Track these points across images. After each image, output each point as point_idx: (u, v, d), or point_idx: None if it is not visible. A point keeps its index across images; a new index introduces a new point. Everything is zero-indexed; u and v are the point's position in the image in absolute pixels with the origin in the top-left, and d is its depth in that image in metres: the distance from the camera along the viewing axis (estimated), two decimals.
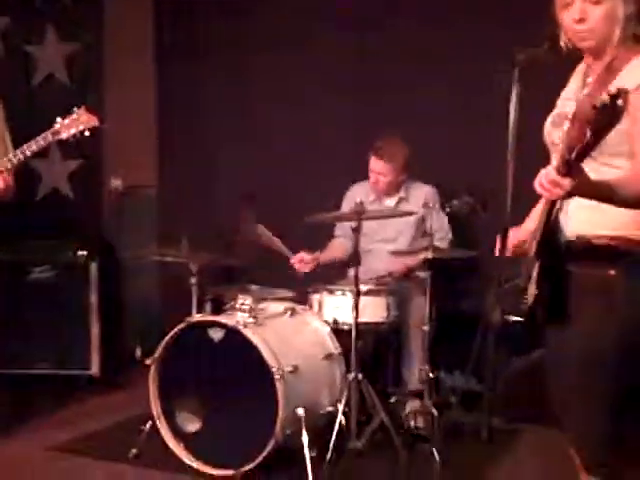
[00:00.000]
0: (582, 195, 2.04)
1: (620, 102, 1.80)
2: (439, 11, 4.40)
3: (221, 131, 5.02)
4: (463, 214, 3.88)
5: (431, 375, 3.68)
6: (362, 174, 4.22)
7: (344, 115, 4.69)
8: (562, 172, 1.94)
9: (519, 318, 2.36)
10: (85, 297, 4.55)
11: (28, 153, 3.33)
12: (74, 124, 3.31)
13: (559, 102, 2.44)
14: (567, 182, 1.93)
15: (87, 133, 3.33)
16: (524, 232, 2.45)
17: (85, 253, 4.58)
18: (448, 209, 3.91)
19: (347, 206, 4.20)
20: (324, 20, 4.68)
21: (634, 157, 2.16)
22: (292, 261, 4.07)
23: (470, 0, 4.33)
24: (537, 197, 2.46)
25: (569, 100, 2.34)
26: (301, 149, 4.79)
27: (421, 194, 4.14)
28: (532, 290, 2.26)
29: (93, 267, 4.58)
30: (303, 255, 4.09)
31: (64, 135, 3.31)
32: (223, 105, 5.00)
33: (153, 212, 5.18)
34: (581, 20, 2.21)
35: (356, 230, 3.60)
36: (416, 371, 3.80)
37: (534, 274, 2.26)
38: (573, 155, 1.89)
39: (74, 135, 3.32)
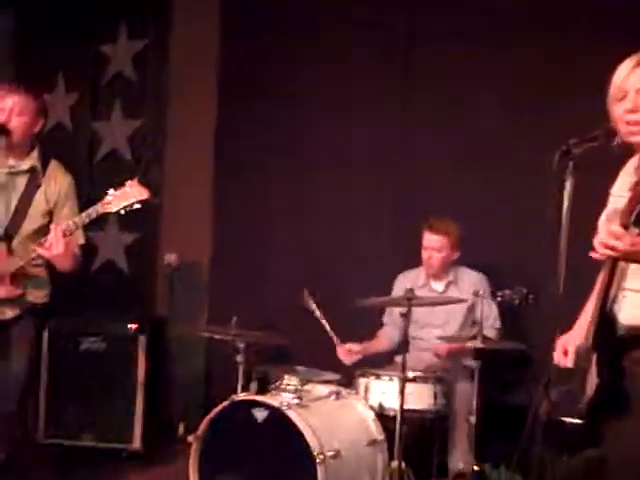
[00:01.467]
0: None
1: None
2: (494, 97, 4.45)
3: (276, 210, 5.08)
4: (514, 304, 3.83)
5: (476, 468, 3.59)
6: (406, 262, 4.23)
7: (391, 194, 4.73)
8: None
9: (577, 420, 2.31)
10: (133, 370, 4.58)
11: (80, 224, 3.36)
12: (125, 197, 3.27)
13: (611, 199, 2.44)
14: (627, 238, 1.93)
15: (137, 206, 3.28)
16: (578, 336, 2.40)
17: (135, 326, 4.64)
18: (499, 298, 3.87)
19: (396, 294, 4.21)
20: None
21: None
22: (338, 350, 4.06)
23: (529, 94, 4.37)
24: (589, 289, 2.46)
25: (621, 197, 2.35)
26: (353, 232, 4.81)
27: (470, 280, 4.12)
28: (591, 383, 2.23)
29: (142, 340, 4.62)
30: (351, 345, 4.09)
31: (114, 208, 3.26)
32: (279, 185, 5.07)
33: (205, 288, 5.22)
34: (634, 110, 2.24)
35: (405, 316, 3.59)
36: (461, 463, 3.72)
37: (593, 366, 2.23)
38: (632, 217, 1.92)
39: (124, 207, 3.27)
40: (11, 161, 3.53)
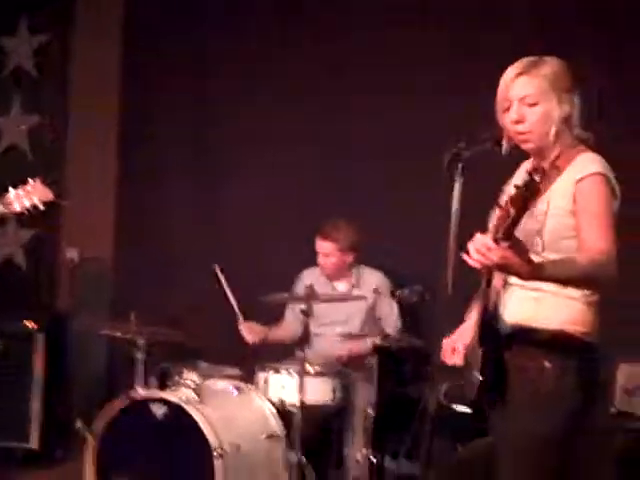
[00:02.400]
0: (519, 273, 2.08)
1: (537, 177, 1.92)
2: (385, 102, 4.55)
3: (178, 207, 5.07)
4: (412, 302, 3.93)
5: (373, 460, 3.67)
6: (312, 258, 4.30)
7: (294, 196, 4.78)
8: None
9: (466, 409, 2.39)
10: (30, 368, 4.49)
11: None
12: (28, 196, 3.16)
13: (504, 197, 2.53)
14: (497, 251, 1.99)
15: (42, 207, 3.17)
16: (467, 333, 2.47)
17: (32, 324, 4.55)
18: (397, 297, 3.96)
19: (299, 290, 4.25)
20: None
21: (580, 247, 2.22)
22: (241, 328, 4.08)
23: (415, 93, 4.49)
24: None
25: None
26: (258, 230, 4.84)
27: (372, 280, 4.20)
28: (476, 378, 2.30)
29: (40, 338, 4.53)
30: (253, 324, 4.11)
31: (17, 207, 3.16)
32: (184, 179, 5.07)
33: (107, 285, 5.15)
34: (518, 121, 2.32)
35: (306, 313, 3.64)
36: (359, 455, 3.79)
37: (478, 362, 2.31)
38: (500, 233, 1.99)
39: (27, 208, 3.16)
40: None
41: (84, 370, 5.01)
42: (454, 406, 2.44)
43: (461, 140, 2.44)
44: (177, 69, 5.15)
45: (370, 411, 3.73)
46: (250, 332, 4.12)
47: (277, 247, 4.70)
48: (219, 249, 4.83)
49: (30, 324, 4.53)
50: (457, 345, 2.45)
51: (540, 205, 2.22)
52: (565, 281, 2.18)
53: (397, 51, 4.55)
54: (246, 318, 4.16)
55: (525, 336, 2.26)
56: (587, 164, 2.26)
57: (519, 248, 2.04)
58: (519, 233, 2.03)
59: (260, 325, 4.18)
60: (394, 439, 3.86)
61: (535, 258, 2.13)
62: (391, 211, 4.45)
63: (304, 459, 3.50)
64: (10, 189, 3.18)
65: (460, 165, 2.41)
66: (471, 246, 2.05)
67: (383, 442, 3.82)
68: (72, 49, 5.43)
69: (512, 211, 1.95)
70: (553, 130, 2.30)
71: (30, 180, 3.19)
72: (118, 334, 3.86)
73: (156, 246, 5.06)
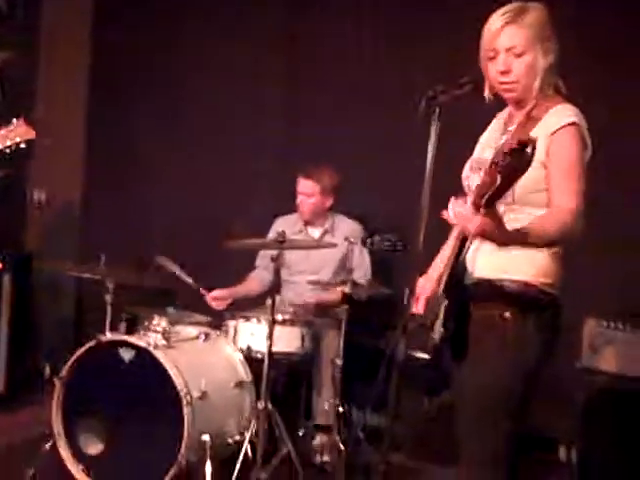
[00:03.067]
0: (494, 240, 2.09)
1: (529, 150, 1.85)
2: (366, 45, 4.49)
3: (148, 150, 5.00)
4: (383, 251, 3.90)
5: (340, 410, 3.68)
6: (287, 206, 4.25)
7: (272, 141, 4.76)
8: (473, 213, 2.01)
9: (425, 355, 2.39)
10: None
11: None
12: (10, 135, 3.16)
13: (478, 147, 2.50)
14: (476, 220, 1.99)
15: (23, 145, 3.19)
16: (430, 283, 2.47)
17: (1, 265, 4.47)
18: (370, 245, 3.93)
19: (271, 237, 4.20)
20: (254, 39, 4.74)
21: (549, 200, 2.24)
22: (207, 299, 4.05)
23: (397, 37, 4.42)
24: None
25: (489, 147, 2.40)
26: (230, 175, 4.78)
27: (346, 228, 4.17)
28: (438, 328, 2.30)
29: (6, 279, 4.45)
30: (218, 292, 4.08)
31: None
32: (152, 123, 5.00)
33: (75, 228, 5.07)
34: (505, 72, 2.28)
35: (276, 259, 3.60)
36: (326, 405, 3.79)
37: (441, 313, 2.30)
38: (483, 200, 1.95)
39: (10, 147, 3.17)
40: None
41: (52, 312, 4.96)
42: (415, 353, 2.43)
43: (439, 84, 2.39)
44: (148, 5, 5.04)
45: (338, 361, 3.72)
46: (216, 300, 4.08)
47: (253, 190, 4.65)
48: (192, 190, 4.78)
49: None
50: (420, 294, 2.45)
51: None
52: (536, 246, 2.21)
53: None
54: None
55: (490, 288, 2.29)
56: (562, 116, 2.26)
57: (497, 216, 2.04)
58: None
59: (224, 290, 4.13)
60: (361, 390, 3.87)
61: (504, 209, 2.16)
62: (367, 158, 4.42)
63: (272, 407, 3.48)
64: None
65: (437, 109, 2.36)
66: (451, 209, 2.07)
67: (350, 392, 3.82)
68: None
69: (498, 180, 1.89)
70: (538, 81, 2.29)
71: (14, 119, 3.19)
72: (87, 275, 3.79)
73: (127, 186, 4.99)
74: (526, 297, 2.27)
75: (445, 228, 2.41)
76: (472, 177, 2.38)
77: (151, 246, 4.72)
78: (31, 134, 3.20)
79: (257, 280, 4.30)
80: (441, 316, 2.29)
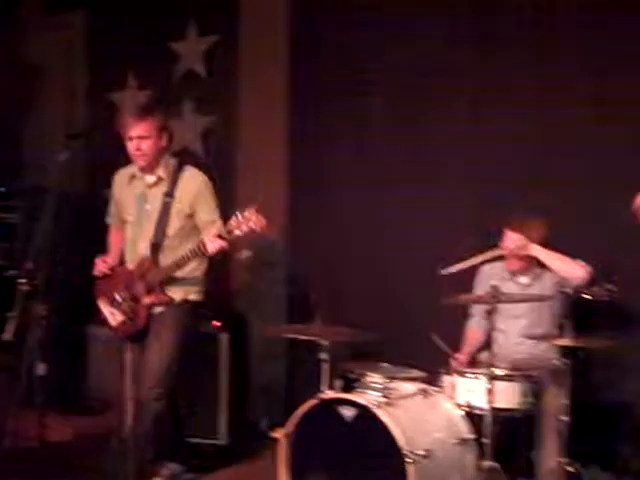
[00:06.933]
0: None
1: None
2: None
3: (348, 207, 5.07)
4: (602, 300, 3.77)
5: (570, 469, 3.54)
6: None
7: (473, 184, 4.71)
8: None
9: None
10: (215, 368, 4.63)
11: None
12: (246, 223, 3.49)
13: None
14: None
15: (258, 231, 3.50)
16: None
17: (219, 324, 4.68)
18: (588, 295, 3.80)
19: (480, 286, 4.16)
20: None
21: None
22: (453, 362, 4.02)
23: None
24: None
25: None
26: (432, 233, 4.78)
27: (551, 274, 4.04)
28: None
29: (224, 338, 4.67)
30: (463, 356, 4.07)
31: (237, 232, 3.52)
32: (352, 179, 5.06)
33: (283, 286, 5.22)
34: None
35: (491, 313, 3.56)
36: (551, 461, 3.67)
37: None
38: None
39: (245, 233, 3.49)
40: (146, 178, 3.96)
41: (265, 368, 5.09)
42: None
43: None
44: (342, 64, 5.13)
45: (562, 417, 3.59)
46: (460, 363, 4.03)
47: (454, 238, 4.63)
48: (399, 247, 4.82)
49: (216, 324, 4.67)
50: None
51: None
52: None
53: None
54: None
55: None
56: None
57: None
58: None
59: (463, 354, 4.10)
60: (588, 447, 3.71)
61: None
62: (577, 209, 4.30)
63: (498, 465, 3.41)
64: (234, 216, 3.53)
65: None
66: None
67: (577, 450, 3.67)
68: (239, 48, 5.55)
69: None
70: None
71: (248, 208, 3.51)
72: (303, 337, 3.88)
73: (330, 247, 5.08)
74: None
75: None
76: None
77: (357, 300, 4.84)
78: (262, 224, 3.47)
79: (479, 329, 4.21)
80: None
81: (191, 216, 3.90)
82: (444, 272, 3.74)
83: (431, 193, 4.76)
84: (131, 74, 5.89)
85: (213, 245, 3.62)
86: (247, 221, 3.48)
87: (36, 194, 4.91)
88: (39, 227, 3.78)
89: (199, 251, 3.68)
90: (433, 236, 4.73)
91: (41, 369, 3.41)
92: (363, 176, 5.02)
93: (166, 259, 3.86)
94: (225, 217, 3.72)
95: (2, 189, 5.62)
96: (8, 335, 3.54)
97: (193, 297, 3.96)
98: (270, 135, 5.41)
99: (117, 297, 3.96)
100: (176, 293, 3.90)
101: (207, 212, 3.89)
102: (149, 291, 3.85)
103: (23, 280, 3.67)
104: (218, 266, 5.39)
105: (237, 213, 3.52)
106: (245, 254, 5.24)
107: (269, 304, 5.11)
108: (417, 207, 4.81)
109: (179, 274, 3.86)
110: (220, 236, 3.57)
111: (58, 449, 4.29)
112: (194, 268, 3.92)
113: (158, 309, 3.90)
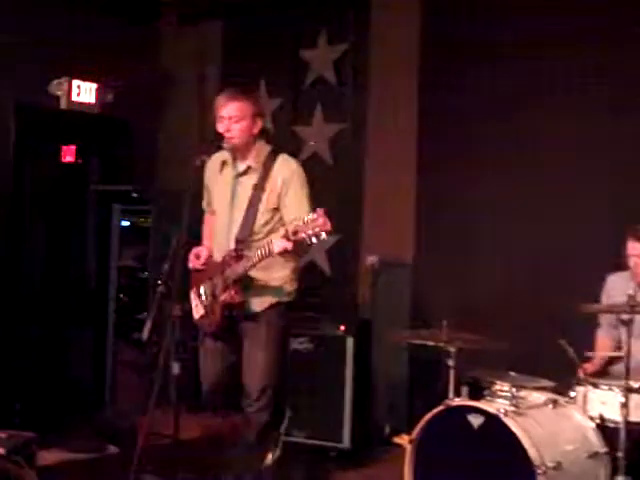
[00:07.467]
0: None
1: None
2: None
3: (480, 209, 5.00)
4: None
5: None
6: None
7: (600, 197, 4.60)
8: None
9: None
10: (340, 371, 4.66)
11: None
12: (310, 226, 3.25)
13: None
14: None
15: (324, 237, 3.25)
16: None
17: (344, 328, 4.72)
18: None
19: (606, 297, 4.07)
20: None
21: None
22: (580, 372, 3.85)
23: None
24: None
25: None
26: (564, 233, 4.68)
27: None
28: None
29: (350, 342, 4.70)
30: (589, 366, 3.93)
31: (302, 235, 3.27)
32: (485, 183, 4.99)
33: (408, 290, 5.20)
34: None
35: (628, 324, 3.44)
36: None
37: None
38: None
39: (309, 237, 3.25)
40: (238, 165, 3.78)
41: (388, 372, 5.09)
42: None
43: None
44: (472, 65, 5.09)
45: None
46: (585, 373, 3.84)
47: (588, 252, 4.50)
48: (527, 255, 4.74)
49: (342, 328, 4.71)
50: None
51: None
52: None
53: None
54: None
55: None
56: None
57: None
58: None
59: (590, 363, 3.96)
60: None
61: None
62: None
63: None
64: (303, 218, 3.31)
65: None
66: None
67: None
68: (369, 57, 5.58)
69: None
70: None
71: (317, 210, 3.29)
72: (430, 343, 3.85)
73: (458, 250, 5.04)
74: None
75: None
76: None
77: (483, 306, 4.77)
78: (328, 227, 3.23)
79: (610, 340, 4.11)
80: None
81: (277, 209, 3.70)
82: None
83: (559, 207, 4.71)
84: (262, 82, 6.02)
85: (277, 246, 3.39)
86: (314, 224, 3.24)
87: (169, 198, 5.08)
88: (174, 230, 3.77)
89: (266, 252, 3.46)
90: (563, 244, 4.64)
91: (176, 368, 3.47)
92: (497, 167, 4.97)
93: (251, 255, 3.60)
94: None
95: (136, 194, 5.83)
96: (143, 335, 3.62)
97: (285, 299, 3.75)
98: (399, 143, 5.42)
99: (202, 290, 3.81)
100: (266, 296, 3.71)
101: (291, 208, 3.65)
102: (225, 288, 3.65)
103: (159, 282, 3.74)
104: (344, 270, 5.55)
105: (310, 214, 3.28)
106: (372, 259, 5.25)
107: (394, 309, 5.09)
108: (545, 218, 4.75)
109: (266, 276, 3.67)
110: (286, 237, 3.34)
111: (190, 446, 4.41)
112: (282, 266, 3.70)
113: (253, 309, 3.70)
